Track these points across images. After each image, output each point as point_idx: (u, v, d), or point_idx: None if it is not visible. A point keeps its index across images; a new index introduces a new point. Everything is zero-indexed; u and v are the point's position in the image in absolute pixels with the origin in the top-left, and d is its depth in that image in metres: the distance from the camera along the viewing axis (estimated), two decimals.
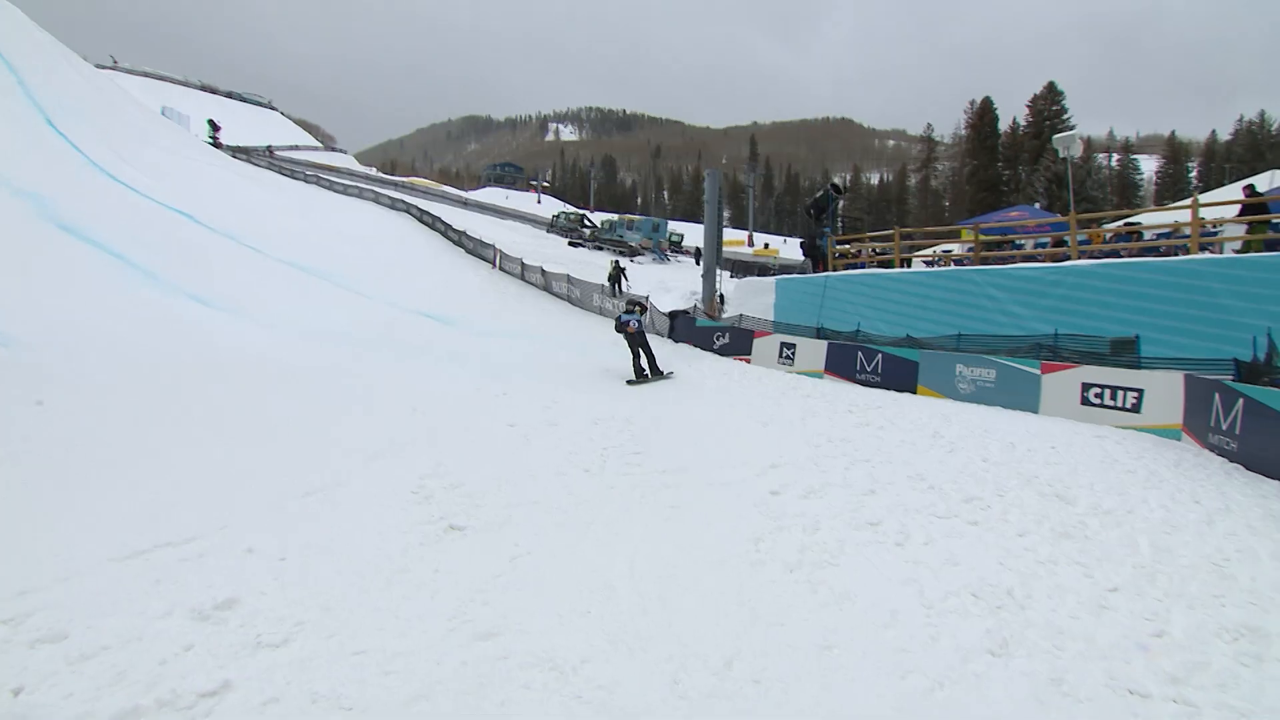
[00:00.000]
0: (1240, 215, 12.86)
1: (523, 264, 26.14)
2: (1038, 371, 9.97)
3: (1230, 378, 8.01)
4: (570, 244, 38.28)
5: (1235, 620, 3.58)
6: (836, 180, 32.28)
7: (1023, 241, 17.22)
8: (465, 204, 49.34)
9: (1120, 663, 3.18)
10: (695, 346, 15.06)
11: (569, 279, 23.03)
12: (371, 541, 4.27)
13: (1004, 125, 60.19)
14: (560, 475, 5.90)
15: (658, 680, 2.98)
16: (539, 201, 65.35)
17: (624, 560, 4.22)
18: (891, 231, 16.37)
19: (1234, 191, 15.46)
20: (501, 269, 27.46)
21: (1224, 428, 7.56)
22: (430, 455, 6.06)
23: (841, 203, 23.20)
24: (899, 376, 11.37)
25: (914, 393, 10.97)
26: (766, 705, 2.87)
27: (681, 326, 16.39)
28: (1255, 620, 3.57)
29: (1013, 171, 56.42)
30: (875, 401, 9.41)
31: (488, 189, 74.82)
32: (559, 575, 3.99)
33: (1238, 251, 12.15)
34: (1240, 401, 7.30)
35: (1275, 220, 12.51)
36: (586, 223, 41.78)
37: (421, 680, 2.93)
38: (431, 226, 34.29)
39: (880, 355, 11.83)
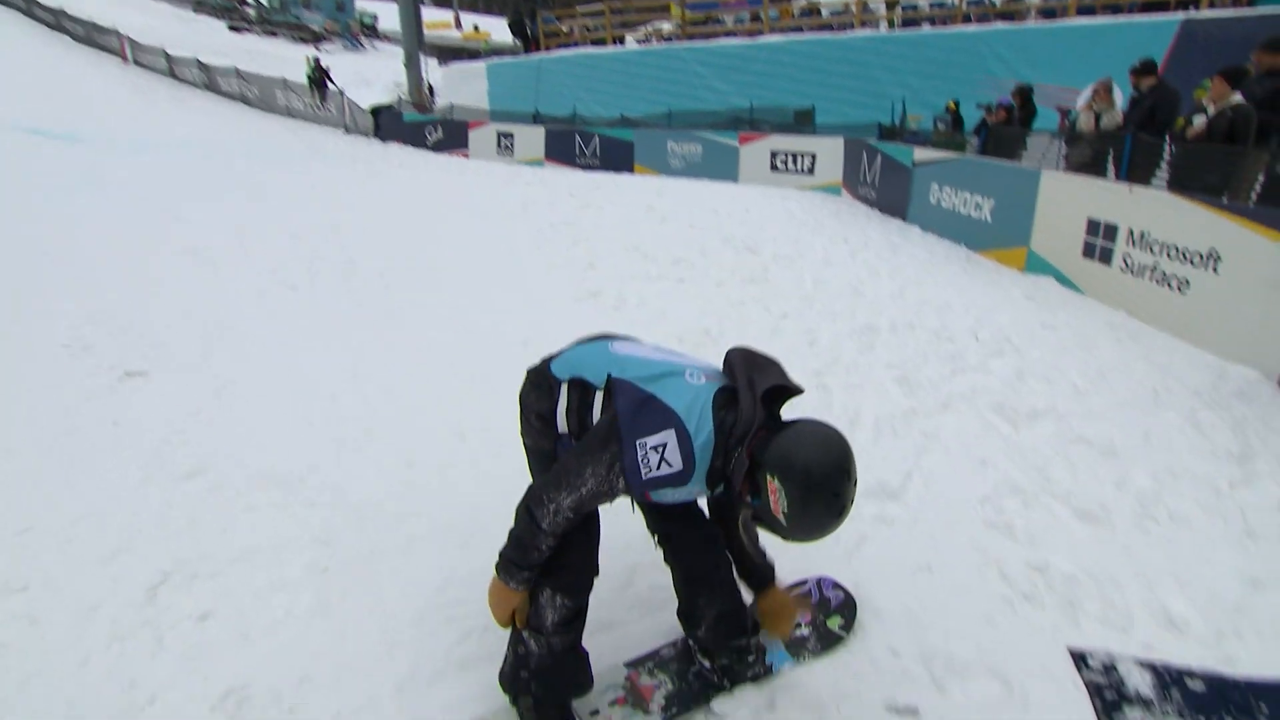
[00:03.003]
0: None
1: (167, 56, 20.48)
2: (736, 144, 10.89)
3: (874, 138, 9.52)
4: (231, 29, 30.66)
5: (861, 324, 4.62)
6: None
7: (724, 18, 17.72)
8: None
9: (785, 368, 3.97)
10: (406, 144, 13.68)
11: (239, 74, 18.73)
12: (10, 411, 3.44)
13: None
14: (263, 297, 5.21)
15: (392, 468, 3.01)
16: None
17: (346, 368, 4.00)
18: (601, 7, 15.65)
19: None
20: (137, 63, 21.29)
21: (868, 181, 9.16)
22: (80, 302, 4.87)
23: None
24: (616, 158, 11.65)
25: (631, 172, 11.40)
26: (501, 469, 3.08)
27: (388, 123, 14.64)
28: (873, 321, 4.65)
29: None
30: (595, 184, 9.58)
31: None
32: (273, 397, 3.67)
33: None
34: (879, 158, 8.82)
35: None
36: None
37: (117, 535, 2.58)
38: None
39: (598, 138, 11.90)
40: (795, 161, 10.56)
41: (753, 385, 1.53)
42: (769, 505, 1.45)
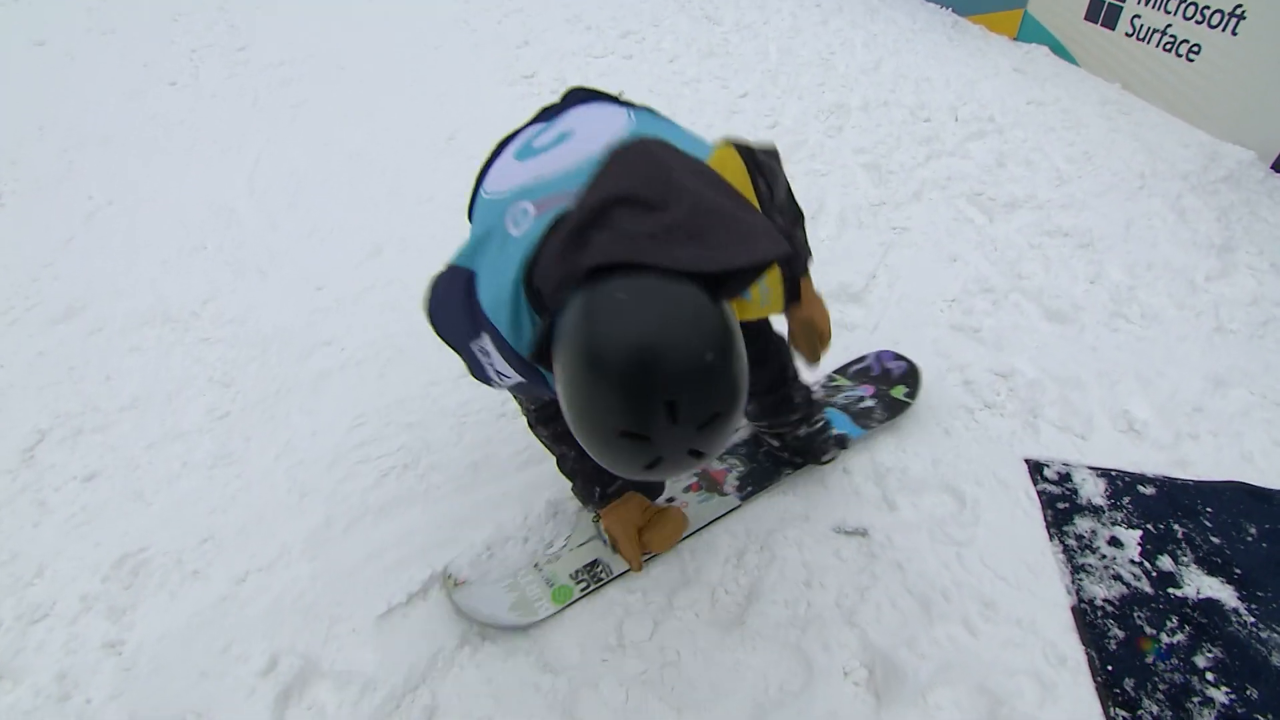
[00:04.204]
0: None
1: None
2: None
3: None
4: None
5: (830, 102, 4.02)
6: None
7: None
8: None
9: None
10: None
11: None
12: None
13: None
14: (135, 97, 4.35)
15: (299, 293, 2.63)
16: None
17: (243, 178, 3.41)
18: None
19: None
20: None
21: None
22: None
23: None
24: None
25: None
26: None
27: None
28: (843, 100, 4.05)
29: None
30: None
31: None
32: (157, 217, 3.13)
33: None
34: None
35: None
36: None
37: None
38: None
39: None
40: None
41: (582, 235, 0.82)
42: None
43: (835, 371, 2.18)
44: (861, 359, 2.20)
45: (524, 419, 1.36)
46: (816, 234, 2.93)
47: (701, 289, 0.77)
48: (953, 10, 5.70)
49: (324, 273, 2.72)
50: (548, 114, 1.27)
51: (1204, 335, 2.42)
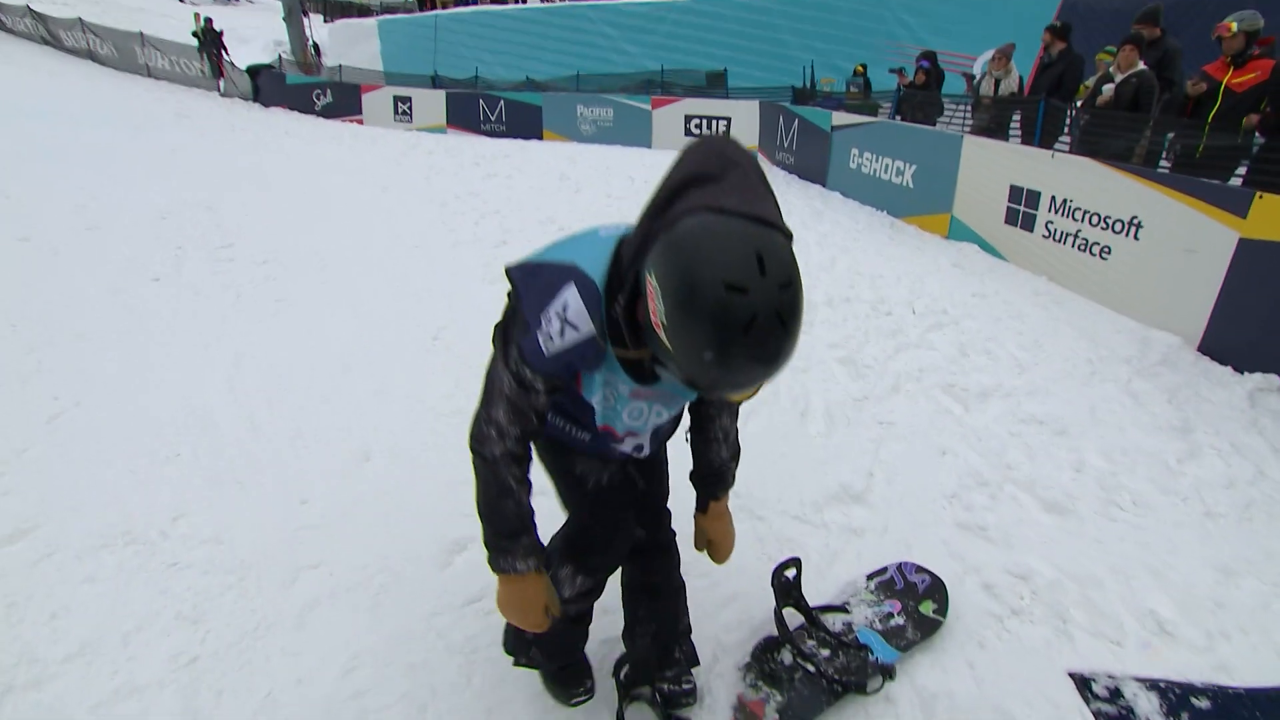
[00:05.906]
0: None
1: None
2: (649, 107, 10.37)
3: (788, 102, 9.27)
4: None
5: None
6: None
7: None
8: None
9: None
10: (292, 110, 12.23)
11: (85, 26, 16.21)
12: None
13: None
14: (117, 293, 4.33)
15: (282, 507, 2.45)
16: None
17: (221, 379, 3.32)
18: None
19: None
20: None
21: (786, 145, 8.90)
22: None
23: None
24: (524, 123, 10.89)
25: (540, 138, 10.70)
26: (416, 500, 2.58)
27: (269, 86, 13.06)
28: (808, 296, 4.34)
29: None
30: (503, 151, 8.86)
31: None
32: (127, 423, 2.96)
33: None
34: (796, 122, 8.55)
35: None
36: None
37: None
38: None
39: (503, 102, 11.06)
40: (710, 126, 10.18)
41: (665, 206, 1.00)
42: (650, 320, 0.96)
43: (858, 584, 2.13)
44: (883, 570, 2.15)
45: (487, 461, 1.24)
46: (807, 431, 2.99)
47: None
48: (888, 213, 6.45)
49: (309, 483, 2.57)
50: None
51: (1196, 521, 2.48)
